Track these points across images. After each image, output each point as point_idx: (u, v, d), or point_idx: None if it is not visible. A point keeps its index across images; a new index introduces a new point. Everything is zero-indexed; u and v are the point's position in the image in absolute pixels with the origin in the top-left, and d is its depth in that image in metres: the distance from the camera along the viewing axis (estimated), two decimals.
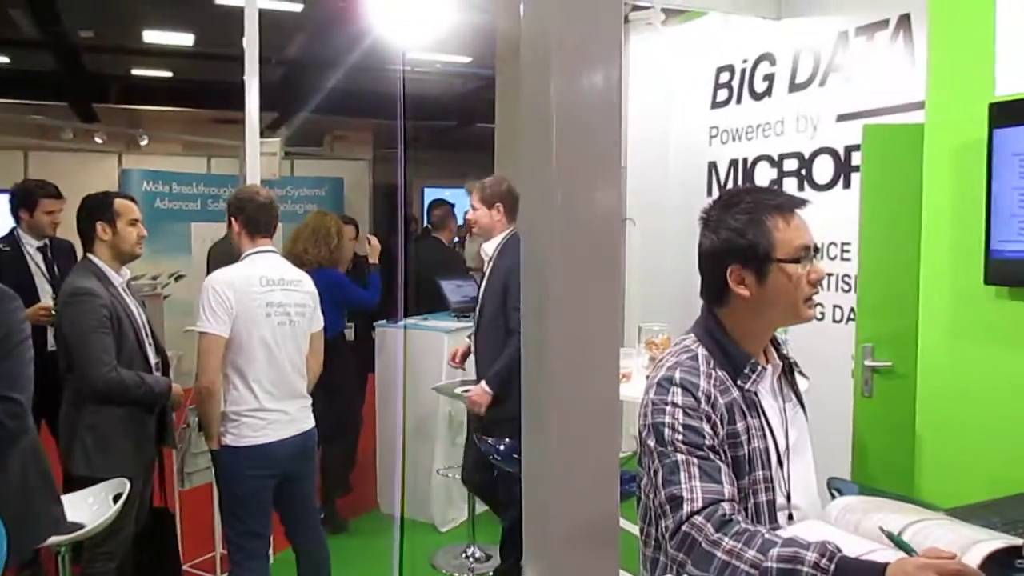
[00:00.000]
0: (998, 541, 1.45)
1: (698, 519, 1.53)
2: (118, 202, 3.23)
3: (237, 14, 4.34)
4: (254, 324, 3.13)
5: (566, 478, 0.76)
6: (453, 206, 6.63)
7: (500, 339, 3.73)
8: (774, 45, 5.18)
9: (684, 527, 1.54)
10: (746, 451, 1.68)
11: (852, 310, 4.36)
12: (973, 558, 1.42)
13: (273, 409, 3.17)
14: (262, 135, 4.67)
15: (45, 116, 11.28)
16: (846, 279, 4.51)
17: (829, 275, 4.64)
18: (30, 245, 4.50)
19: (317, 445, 3.47)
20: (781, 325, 1.80)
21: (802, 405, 1.88)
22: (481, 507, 4.49)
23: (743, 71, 5.44)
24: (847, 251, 4.48)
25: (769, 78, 5.23)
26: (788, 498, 1.76)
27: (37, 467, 2.56)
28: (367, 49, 6.78)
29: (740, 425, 1.68)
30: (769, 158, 5.18)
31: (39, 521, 2.55)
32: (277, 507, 3.34)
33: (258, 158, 4.33)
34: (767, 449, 1.72)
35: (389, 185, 13.01)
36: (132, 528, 3.15)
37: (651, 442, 1.64)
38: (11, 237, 4.54)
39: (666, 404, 1.64)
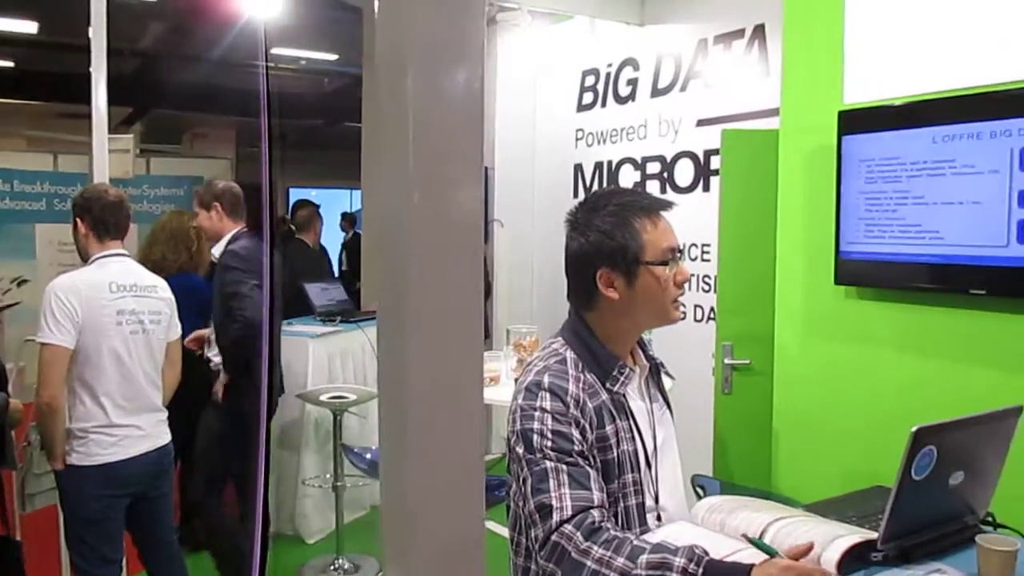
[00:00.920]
0: (855, 536, 1.51)
1: (567, 528, 1.52)
2: None
3: (85, 1, 4.07)
4: (103, 334, 2.93)
5: (425, 488, 0.72)
6: (318, 207, 6.47)
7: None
8: (638, 51, 5.30)
9: (553, 536, 1.52)
10: (615, 454, 1.67)
11: (712, 310, 4.50)
12: (833, 554, 1.47)
13: (124, 424, 2.98)
14: (115, 131, 4.40)
15: None
16: (706, 280, 4.65)
17: (691, 275, 4.77)
18: None
19: (175, 460, 3.29)
20: (649, 327, 1.82)
21: (668, 405, 1.90)
22: (350, 516, 4.36)
23: (608, 75, 5.54)
24: (707, 252, 4.63)
25: (633, 83, 5.34)
26: (656, 499, 1.77)
27: None
28: (229, 43, 6.52)
29: (609, 428, 1.67)
30: (633, 161, 5.29)
31: None
32: (130, 529, 3.14)
33: (106, 155, 4.07)
34: (635, 452, 1.72)
35: (253, 185, 12.59)
36: None
37: (520, 449, 1.61)
38: None
39: (535, 409, 1.61)
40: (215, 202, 3.77)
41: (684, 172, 4.92)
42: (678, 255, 1.70)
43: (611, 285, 1.68)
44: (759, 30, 4.46)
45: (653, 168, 5.14)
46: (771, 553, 1.49)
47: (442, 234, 0.72)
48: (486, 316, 5.77)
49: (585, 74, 5.73)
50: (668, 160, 5.02)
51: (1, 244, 7.72)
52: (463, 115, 0.74)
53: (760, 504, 1.76)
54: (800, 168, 2.99)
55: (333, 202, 11.87)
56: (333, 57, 9.94)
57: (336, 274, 8.36)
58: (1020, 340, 2.34)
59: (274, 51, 8.71)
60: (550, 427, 1.59)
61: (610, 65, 5.51)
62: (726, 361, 3.65)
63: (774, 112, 3.31)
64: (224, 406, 3.67)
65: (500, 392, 3.33)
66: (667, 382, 1.99)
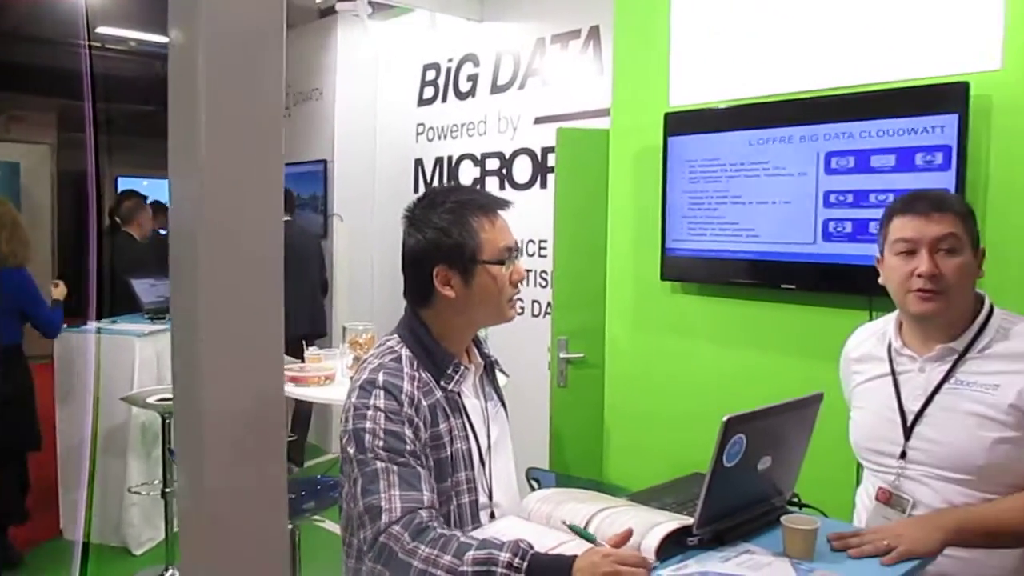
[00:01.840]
0: (673, 523, 1.56)
1: (395, 528, 1.50)
2: None
3: None
4: None
5: (219, 491, 0.68)
6: (145, 198, 6.13)
7: None
8: (478, 47, 5.32)
9: (381, 538, 1.50)
10: (449, 452, 1.66)
11: (549, 305, 4.58)
12: (652, 541, 1.51)
13: None
14: None
15: None
16: (543, 275, 4.73)
17: (528, 271, 4.84)
18: None
19: None
20: (485, 325, 1.81)
21: (503, 403, 1.91)
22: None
23: (448, 70, 5.53)
24: (544, 248, 4.70)
25: (473, 78, 5.35)
26: (490, 496, 1.77)
27: None
28: (49, 19, 6.05)
29: (443, 427, 1.66)
30: (473, 157, 5.31)
31: None
32: None
33: None
34: (469, 450, 1.72)
35: (77, 173, 11.77)
36: None
37: (351, 449, 1.58)
38: None
39: (368, 408, 1.58)
40: None
41: (522, 169, 4.98)
42: (515, 254, 1.71)
43: (448, 283, 1.67)
44: (594, 31, 4.56)
45: (492, 164, 5.17)
46: (593, 541, 1.52)
47: (237, 233, 0.69)
48: (325, 316, 5.65)
49: (426, 68, 5.70)
50: (507, 157, 5.07)
51: None
52: (261, 108, 0.70)
53: (587, 495, 1.80)
54: (629, 167, 3.08)
55: (165, 192, 11.28)
56: (164, 39, 9.45)
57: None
58: (826, 331, 2.49)
59: (100, 30, 8.19)
60: (383, 426, 1.57)
61: (451, 60, 5.50)
62: (561, 355, 3.72)
63: (608, 111, 3.39)
64: None
65: (335, 391, 3.25)
66: (502, 379, 2.00)
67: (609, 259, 3.16)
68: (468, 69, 5.39)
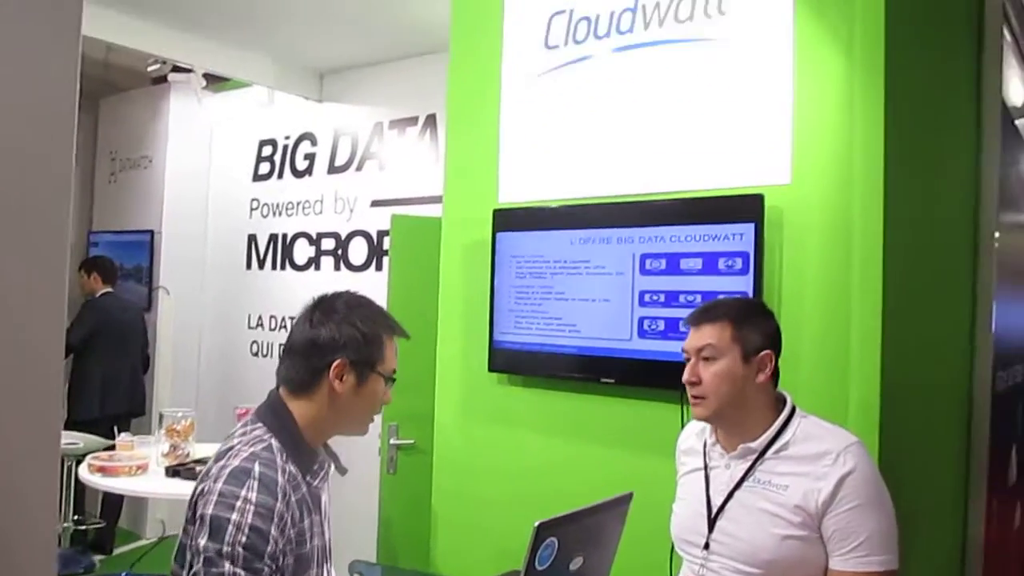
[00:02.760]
0: None
1: None
2: None
3: None
4: None
5: None
6: None
7: None
8: (316, 126, 5.33)
9: None
10: (308, 548, 1.63)
11: None
12: None
13: None
14: None
15: None
16: None
17: None
18: None
19: None
20: (346, 430, 1.78)
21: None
22: None
23: (286, 147, 5.50)
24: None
25: (310, 157, 5.34)
26: None
27: None
28: None
29: (307, 522, 1.63)
30: (308, 236, 5.27)
31: None
32: None
33: None
34: (323, 547, 1.72)
35: None
36: None
37: (203, 539, 1.49)
38: None
39: (237, 499, 1.51)
40: None
41: (358, 250, 4.98)
42: (393, 380, 1.76)
43: (340, 377, 1.67)
44: (431, 119, 4.68)
45: (328, 244, 5.15)
46: None
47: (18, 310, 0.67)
48: (144, 394, 5.36)
49: (263, 143, 5.64)
50: (343, 237, 5.06)
51: None
52: (41, 187, 0.69)
53: None
54: (459, 258, 3.14)
55: None
56: None
57: None
58: (642, 424, 2.61)
59: None
60: (249, 521, 1.49)
61: (288, 137, 5.48)
62: (391, 441, 3.69)
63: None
64: None
65: (148, 483, 3.08)
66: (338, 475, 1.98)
67: (439, 347, 3.19)
68: (306, 147, 5.38)
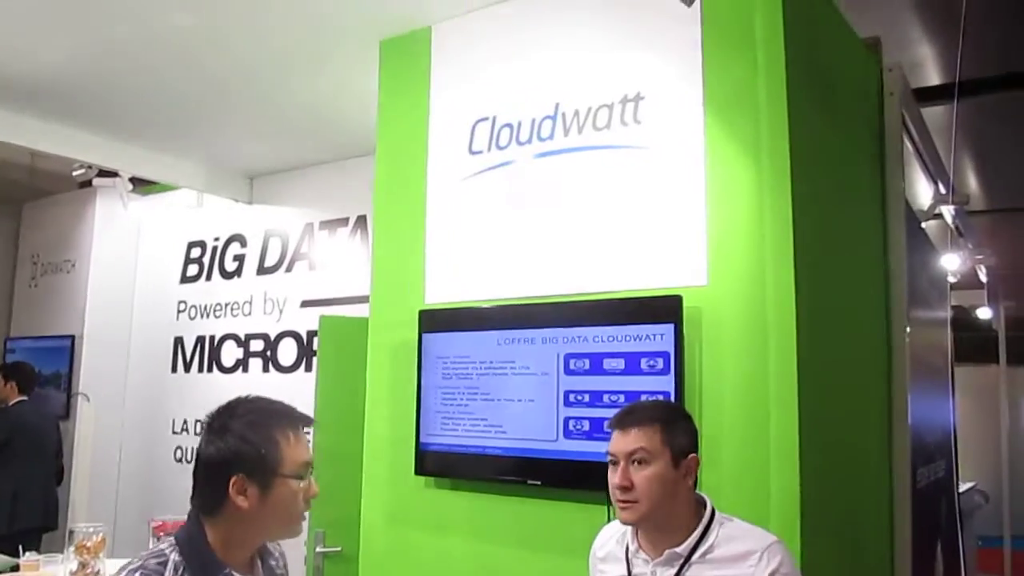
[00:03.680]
0: None
1: None
2: None
3: None
4: None
5: None
6: None
7: None
8: (246, 227, 5.32)
9: None
10: None
11: None
12: None
13: None
14: None
15: None
16: None
17: None
18: None
19: None
20: (274, 538, 1.72)
21: None
22: None
23: (215, 248, 5.46)
24: (308, 434, 4.58)
25: (240, 258, 5.32)
26: None
27: None
28: None
29: None
30: (236, 337, 5.19)
31: None
32: None
33: None
34: None
35: None
36: None
37: None
38: None
39: None
40: None
41: (287, 351, 4.92)
42: (311, 470, 1.67)
43: (243, 492, 1.60)
44: (361, 220, 4.72)
45: (257, 345, 5.08)
46: None
47: None
48: (57, 506, 5.11)
49: (191, 245, 5.60)
50: (272, 338, 5.00)
51: None
52: None
53: None
54: (387, 359, 3.13)
55: None
56: None
57: None
58: (569, 527, 2.58)
59: None
60: None
61: (217, 239, 5.45)
62: (318, 549, 3.58)
63: None
64: None
65: None
66: None
67: (365, 450, 3.14)
68: (235, 248, 5.36)
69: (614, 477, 1.84)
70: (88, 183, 5.49)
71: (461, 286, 2.96)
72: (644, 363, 2.45)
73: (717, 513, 1.89)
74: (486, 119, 3.02)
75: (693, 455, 1.87)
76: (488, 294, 2.89)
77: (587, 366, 2.57)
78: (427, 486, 2.94)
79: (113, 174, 5.07)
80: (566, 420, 2.59)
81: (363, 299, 4.37)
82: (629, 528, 1.94)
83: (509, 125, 2.96)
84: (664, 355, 2.41)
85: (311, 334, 4.76)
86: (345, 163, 4.83)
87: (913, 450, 3.12)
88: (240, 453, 1.61)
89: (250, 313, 5.17)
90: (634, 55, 2.71)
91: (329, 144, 4.66)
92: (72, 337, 5.64)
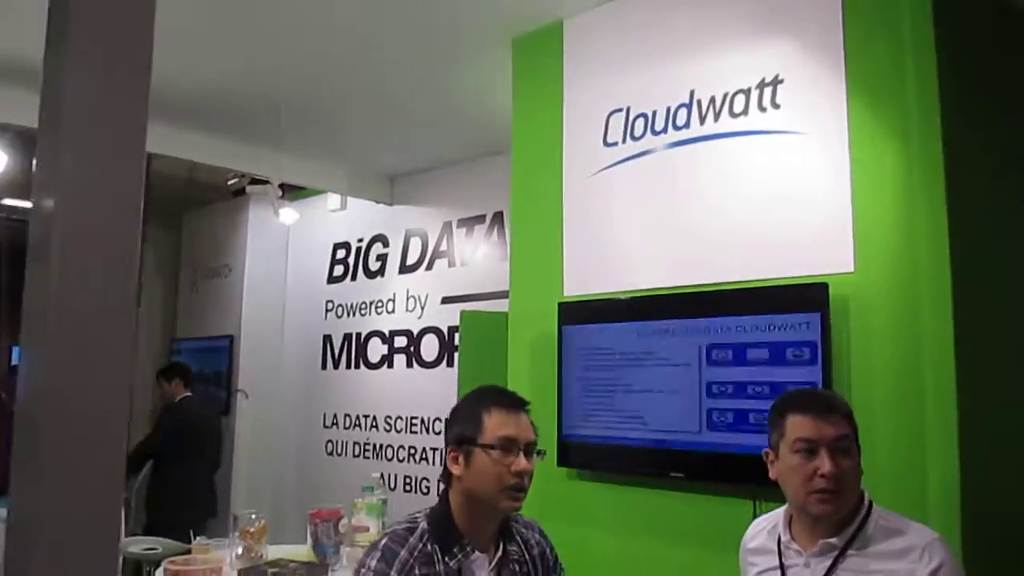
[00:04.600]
0: None
1: None
2: None
3: None
4: None
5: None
6: None
7: None
8: (387, 228, 5.50)
9: None
10: None
11: None
12: None
13: None
14: None
15: None
16: None
17: (434, 450, 4.82)
18: None
19: None
20: (490, 509, 1.80)
21: None
22: None
23: (359, 249, 5.67)
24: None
25: (383, 258, 5.50)
26: None
27: None
28: None
29: None
30: (381, 334, 5.37)
31: None
32: None
33: None
34: None
35: None
36: None
37: None
38: None
39: (363, 567, 1.75)
40: None
41: (430, 347, 5.05)
42: (518, 445, 1.78)
43: (456, 462, 1.80)
44: (498, 217, 4.79)
45: (400, 342, 5.24)
46: None
47: (82, 416, 0.71)
48: (216, 496, 5.43)
49: (336, 247, 5.84)
50: (415, 335, 5.15)
51: None
52: (109, 305, 0.74)
53: None
54: (527, 352, 3.17)
55: None
56: None
57: None
58: (713, 520, 2.55)
59: (3, 201, 8.16)
60: None
61: (361, 240, 5.66)
62: None
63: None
64: None
65: None
66: None
67: None
68: (378, 249, 5.54)
69: (813, 465, 1.73)
70: (241, 191, 5.82)
71: (600, 278, 2.97)
72: (790, 353, 2.39)
73: (875, 506, 1.82)
74: (620, 110, 3.01)
75: (858, 444, 1.81)
76: (627, 285, 2.88)
77: (730, 357, 2.53)
78: (569, 478, 2.96)
79: (264, 182, 5.35)
80: (709, 411, 2.56)
81: (502, 294, 4.45)
82: (781, 519, 1.90)
83: (644, 115, 2.94)
84: (810, 344, 2.35)
85: (452, 329, 4.87)
86: (481, 161, 4.92)
87: None
88: (452, 425, 1.85)
89: (393, 311, 5.34)
90: (770, 38, 2.64)
91: (465, 143, 4.76)
92: (231, 337, 5.99)
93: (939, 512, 2.10)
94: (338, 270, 5.81)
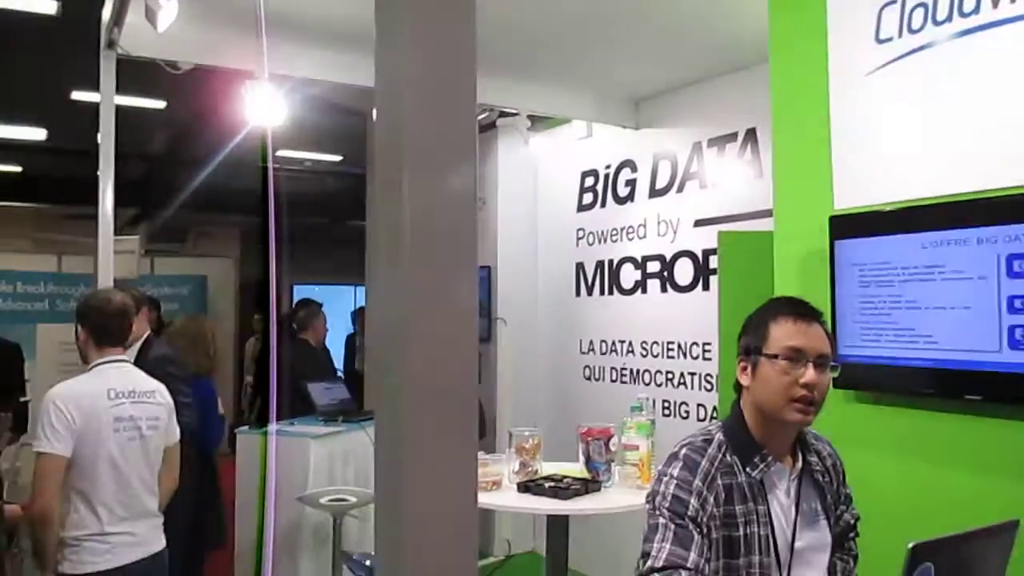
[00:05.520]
0: None
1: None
2: None
3: (95, 110, 4.20)
4: (99, 442, 2.91)
5: None
6: (320, 305, 6.51)
7: None
8: (635, 153, 5.43)
9: None
10: (742, 533, 1.74)
11: (715, 409, 4.48)
12: None
13: (118, 532, 2.94)
14: (121, 232, 4.48)
15: None
16: (708, 378, 4.64)
17: (692, 374, 4.77)
18: None
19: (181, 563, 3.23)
20: (778, 420, 1.79)
21: (830, 520, 1.88)
22: None
23: (606, 176, 5.65)
24: (708, 351, 4.63)
25: (631, 183, 5.45)
26: None
27: None
28: (235, 146, 6.67)
29: (739, 508, 1.75)
30: (633, 260, 5.35)
31: None
32: None
33: (111, 256, 4.12)
34: (767, 537, 1.76)
35: (257, 283, 12.66)
36: None
37: (648, 505, 1.78)
38: None
39: (664, 475, 1.77)
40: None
41: (684, 271, 4.97)
42: (807, 358, 1.74)
43: (745, 371, 1.82)
44: (751, 134, 4.57)
45: (653, 267, 5.19)
46: None
47: (437, 334, 0.74)
48: (484, 415, 5.74)
49: (584, 175, 5.85)
50: (668, 259, 5.08)
51: None
52: (458, 215, 0.77)
53: None
54: (795, 271, 3.02)
55: (337, 299, 11.91)
56: (337, 158, 10.18)
57: (341, 372, 8.32)
58: (1016, 447, 2.32)
59: (279, 153, 8.93)
60: (671, 491, 1.74)
61: (608, 167, 5.63)
62: None
63: (769, 212, 3.36)
64: None
65: (502, 497, 3.28)
66: None
67: None
68: (626, 174, 5.49)
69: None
70: (492, 125, 5.96)
71: (875, 188, 2.75)
72: None
73: None
74: (894, 2, 2.74)
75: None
76: (907, 194, 2.65)
77: None
78: (846, 400, 2.81)
79: (513, 114, 5.44)
80: (1011, 328, 2.31)
81: (757, 214, 4.27)
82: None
83: (923, 4, 2.66)
84: None
85: (706, 253, 4.75)
86: (729, 77, 4.69)
87: None
88: (743, 335, 1.86)
89: (644, 236, 5.29)
90: None
91: (712, 59, 4.55)
92: (488, 268, 6.23)
93: None
94: (587, 198, 5.83)
